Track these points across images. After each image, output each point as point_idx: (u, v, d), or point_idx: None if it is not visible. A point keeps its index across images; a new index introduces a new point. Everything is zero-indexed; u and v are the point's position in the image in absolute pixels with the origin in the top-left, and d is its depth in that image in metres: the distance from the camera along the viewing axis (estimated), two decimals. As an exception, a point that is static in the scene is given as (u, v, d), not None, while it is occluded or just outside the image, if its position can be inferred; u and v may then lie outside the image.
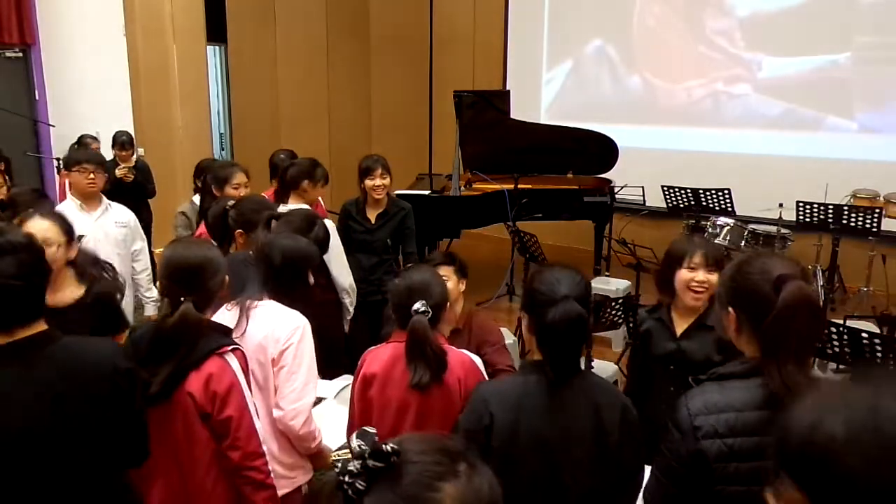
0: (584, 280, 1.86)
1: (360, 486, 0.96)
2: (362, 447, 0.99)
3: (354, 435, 1.01)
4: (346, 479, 0.96)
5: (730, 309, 1.61)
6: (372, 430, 1.04)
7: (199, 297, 2.11)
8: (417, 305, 2.14)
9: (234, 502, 2.19)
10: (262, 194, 3.99)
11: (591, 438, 1.77)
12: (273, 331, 2.30)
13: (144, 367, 2.02)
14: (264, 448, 2.14)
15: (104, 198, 3.82)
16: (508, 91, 7.44)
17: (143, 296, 3.86)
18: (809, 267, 5.87)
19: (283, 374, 2.29)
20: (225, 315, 2.37)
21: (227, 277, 2.19)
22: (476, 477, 1.01)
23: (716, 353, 2.44)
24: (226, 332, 2.20)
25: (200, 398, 2.06)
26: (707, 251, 2.52)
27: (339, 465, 1.00)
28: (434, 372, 2.14)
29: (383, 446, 0.98)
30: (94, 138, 6.16)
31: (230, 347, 2.12)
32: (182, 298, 2.06)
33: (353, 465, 0.97)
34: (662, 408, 2.31)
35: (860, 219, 5.43)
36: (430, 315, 2.15)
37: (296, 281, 2.44)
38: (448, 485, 0.98)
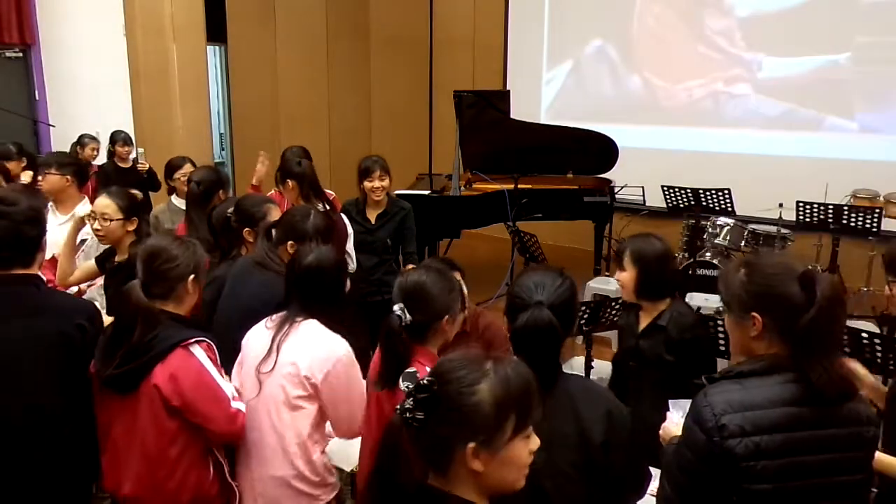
0: (566, 284, 1.80)
1: (419, 416, 1.24)
2: (409, 387, 1.28)
3: (401, 378, 1.38)
4: (408, 415, 1.24)
5: (753, 314, 1.58)
6: (413, 370, 1.34)
7: (154, 284, 2.16)
8: (395, 307, 2.03)
9: (205, 493, 2.23)
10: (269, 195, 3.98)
11: (574, 444, 1.72)
12: (314, 356, 2.26)
13: (109, 353, 2.13)
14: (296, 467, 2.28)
15: (80, 205, 3.65)
16: (508, 91, 7.43)
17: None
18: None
19: (332, 403, 2.30)
20: (263, 332, 2.36)
21: (191, 275, 2.21)
22: (501, 368, 1.28)
23: (665, 352, 2.56)
24: (191, 325, 2.23)
25: (167, 391, 2.10)
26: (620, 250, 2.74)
27: (399, 407, 1.27)
28: (386, 376, 2.02)
29: (421, 380, 1.26)
30: (93, 138, 6.16)
31: (194, 339, 2.15)
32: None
33: (408, 403, 1.25)
34: (628, 402, 2.35)
35: (860, 219, 5.43)
36: (408, 322, 2.01)
37: (335, 294, 2.37)
38: (481, 385, 1.25)
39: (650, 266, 2.61)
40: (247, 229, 2.98)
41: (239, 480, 2.37)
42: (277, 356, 2.27)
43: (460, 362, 1.28)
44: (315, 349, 2.27)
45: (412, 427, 1.23)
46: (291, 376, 2.27)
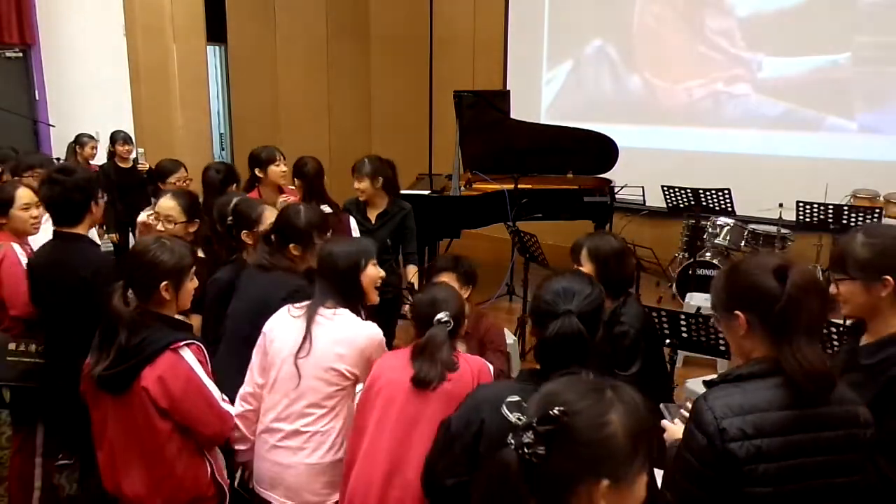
0: (594, 292, 1.81)
1: (541, 452, 1.09)
2: (521, 418, 1.13)
3: (506, 409, 1.15)
4: (526, 450, 1.10)
5: (736, 313, 1.60)
6: (517, 398, 1.17)
7: (132, 286, 2.19)
8: (441, 315, 2.16)
9: (203, 493, 2.25)
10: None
11: None
12: (357, 345, 2.33)
13: (101, 353, 2.17)
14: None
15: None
16: (508, 91, 7.43)
17: None
18: (810, 267, 5.86)
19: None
20: (290, 321, 2.38)
21: (164, 281, 2.20)
22: (624, 394, 1.17)
23: (607, 346, 2.54)
24: (182, 327, 2.26)
25: (155, 393, 2.12)
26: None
27: (512, 441, 1.12)
28: (438, 374, 2.12)
29: (549, 411, 1.11)
30: (92, 137, 6.16)
31: (184, 342, 2.17)
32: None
33: (527, 437, 1.10)
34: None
35: (860, 219, 5.43)
36: (450, 327, 2.16)
37: (352, 283, 2.43)
38: (611, 415, 1.13)
39: (609, 263, 2.64)
40: (245, 231, 2.99)
41: (261, 473, 2.39)
42: (311, 344, 2.31)
43: (578, 391, 1.16)
44: (353, 338, 2.34)
45: (529, 463, 1.10)
46: (334, 369, 2.31)
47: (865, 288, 1.84)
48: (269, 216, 3.00)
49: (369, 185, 3.97)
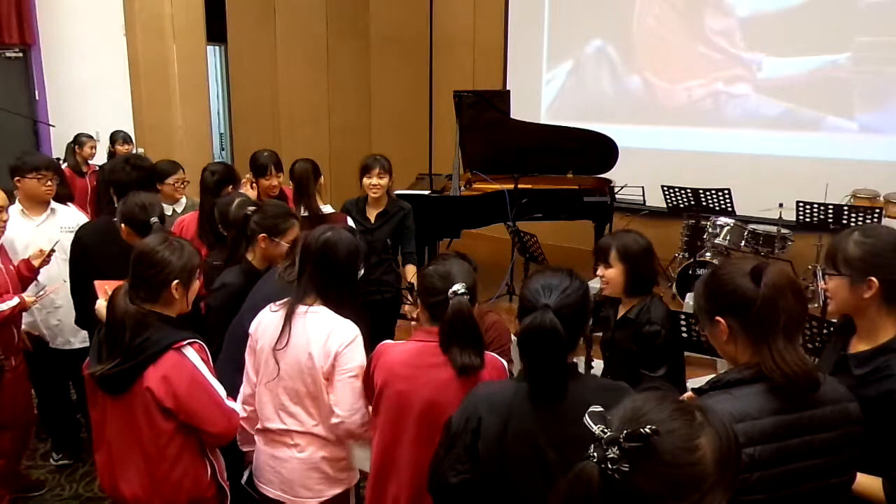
0: (574, 286, 1.75)
1: (625, 468, 1.04)
2: (605, 431, 1.07)
3: (588, 419, 1.09)
4: (609, 465, 1.05)
5: (717, 319, 1.59)
6: (599, 408, 1.11)
7: (140, 287, 2.17)
8: (456, 287, 2.03)
9: (202, 494, 2.24)
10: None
11: (588, 444, 1.71)
12: (325, 343, 2.25)
13: (101, 353, 2.16)
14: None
15: (50, 201, 3.67)
16: (508, 91, 7.43)
17: None
18: (809, 267, 5.86)
19: (339, 380, 2.27)
20: (271, 316, 2.35)
21: (175, 280, 2.18)
22: (713, 418, 1.11)
23: (633, 343, 2.61)
24: (182, 326, 2.24)
25: (159, 393, 2.10)
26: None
27: (595, 454, 1.07)
28: (480, 353, 2.05)
29: (640, 428, 1.05)
30: (90, 137, 6.15)
31: (187, 341, 2.16)
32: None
33: (612, 452, 1.05)
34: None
35: (860, 219, 5.43)
36: (468, 297, 2.04)
37: (344, 278, 2.32)
38: (701, 439, 1.08)
39: (638, 261, 2.64)
40: (263, 235, 2.91)
41: (260, 467, 2.39)
42: (289, 337, 2.26)
43: (667, 409, 1.11)
44: (327, 337, 2.26)
45: (611, 478, 1.06)
46: (311, 369, 2.27)
47: (850, 286, 1.83)
48: (295, 231, 2.92)
49: (388, 181, 4.00)
